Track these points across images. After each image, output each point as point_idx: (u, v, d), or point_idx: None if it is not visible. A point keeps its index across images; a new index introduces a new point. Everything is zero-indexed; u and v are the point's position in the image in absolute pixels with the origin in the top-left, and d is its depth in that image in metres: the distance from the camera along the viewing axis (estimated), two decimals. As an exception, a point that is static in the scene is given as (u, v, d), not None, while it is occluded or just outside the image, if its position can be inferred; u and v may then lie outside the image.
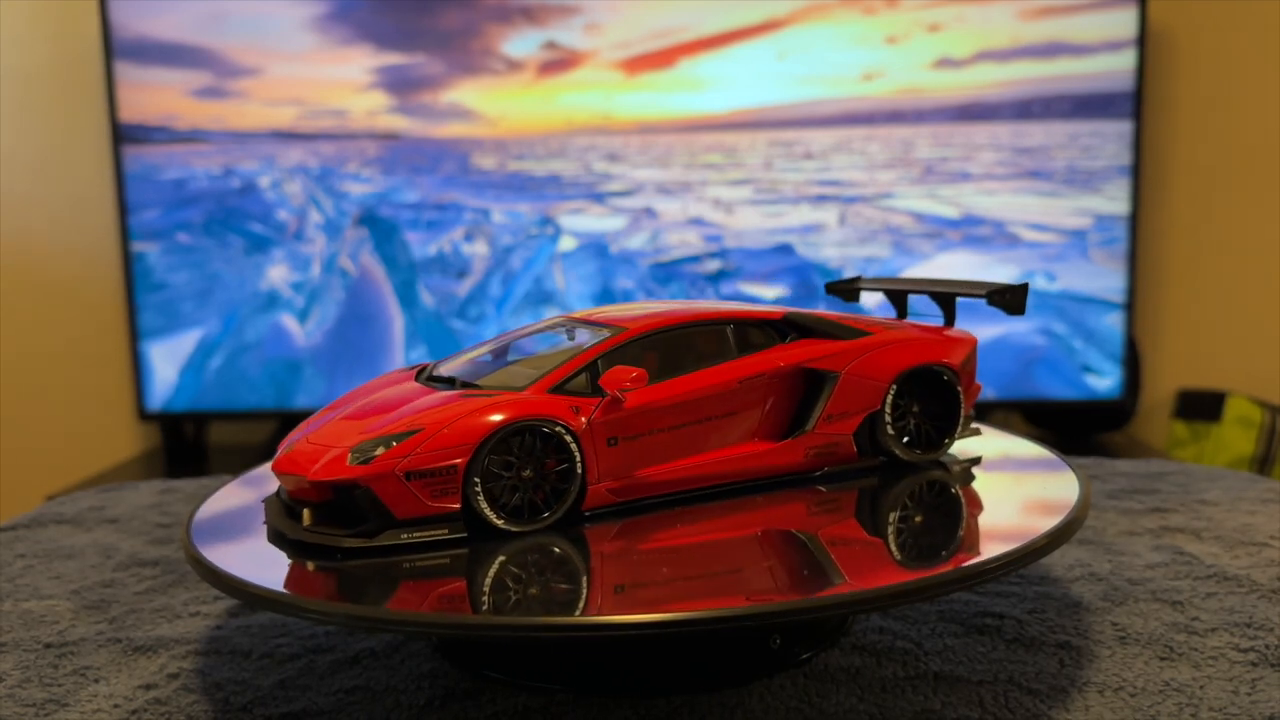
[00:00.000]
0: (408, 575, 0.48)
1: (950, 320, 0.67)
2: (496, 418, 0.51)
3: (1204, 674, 0.50)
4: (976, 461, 0.63)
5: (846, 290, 0.74)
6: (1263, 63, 1.64)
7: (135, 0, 1.56)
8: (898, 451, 0.61)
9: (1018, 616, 0.58)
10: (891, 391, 0.60)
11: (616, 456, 0.54)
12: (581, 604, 0.45)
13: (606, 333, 0.57)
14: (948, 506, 0.58)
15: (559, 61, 1.59)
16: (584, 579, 0.49)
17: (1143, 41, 1.51)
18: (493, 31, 1.58)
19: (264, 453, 1.66)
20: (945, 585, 0.44)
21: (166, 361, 1.63)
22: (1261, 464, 1.58)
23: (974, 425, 0.65)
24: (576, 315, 0.62)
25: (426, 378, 0.60)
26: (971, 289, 0.65)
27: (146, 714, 0.50)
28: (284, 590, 0.46)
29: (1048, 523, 0.50)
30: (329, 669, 0.55)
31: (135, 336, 1.62)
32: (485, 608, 0.45)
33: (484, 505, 0.51)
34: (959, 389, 0.61)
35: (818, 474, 0.60)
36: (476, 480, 0.50)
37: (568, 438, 0.52)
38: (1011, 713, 0.48)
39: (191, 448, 1.74)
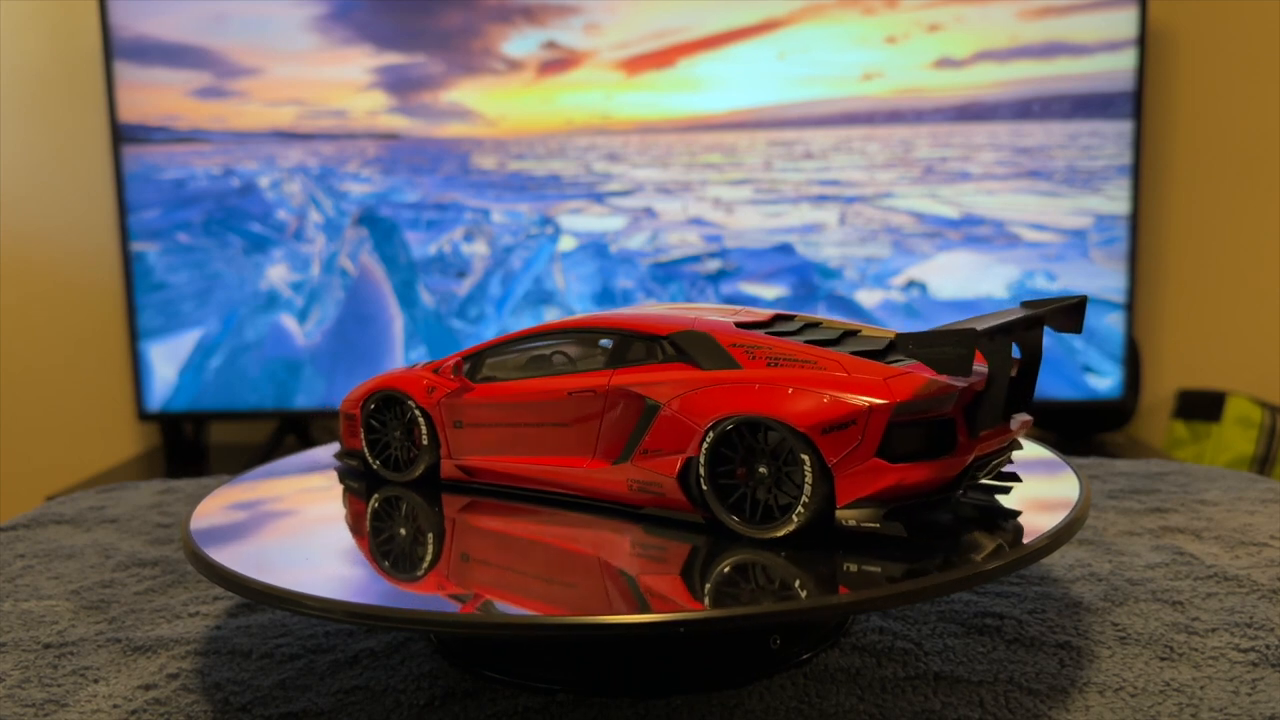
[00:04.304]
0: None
1: (1024, 360, 0.54)
2: (375, 385, 0.65)
3: (1204, 674, 0.50)
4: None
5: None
6: (1263, 63, 1.64)
7: (135, 0, 1.56)
8: (715, 513, 0.51)
9: (1018, 617, 0.58)
10: (708, 439, 0.50)
11: (461, 439, 0.61)
12: (427, 561, 0.53)
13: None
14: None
15: (559, 61, 1.59)
16: (430, 536, 0.57)
17: (1143, 41, 1.51)
18: (493, 31, 1.58)
19: (264, 452, 1.67)
20: (946, 586, 0.44)
21: (166, 361, 1.63)
22: (1262, 464, 1.58)
23: (876, 520, 0.48)
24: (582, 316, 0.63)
25: None
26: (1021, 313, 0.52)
27: (146, 714, 0.50)
28: (284, 586, 0.46)
29: (1048, 523, 0.49)
30: (329, 669, 0.55)
31: (135, 336, 1.63)
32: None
33: (366, 451, 0.65)
34: (801, 456, 0.48)
35: (642, 511, 0.54)
36: (361, 431, 0.65)
37: (416, 411, 0.62)
38: (1012, 713, 0.48)
39: (191, 448, 1.74)
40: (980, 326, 0.47)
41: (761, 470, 0.49)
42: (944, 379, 0.49)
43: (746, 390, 0.50)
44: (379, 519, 0.60)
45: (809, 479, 0.48)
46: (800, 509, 0.48)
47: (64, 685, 0.54)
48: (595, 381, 0.56)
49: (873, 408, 0.47)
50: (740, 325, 0.55)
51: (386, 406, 0.64)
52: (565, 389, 0.57)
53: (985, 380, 0.50)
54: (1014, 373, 0.54)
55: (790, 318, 0.59)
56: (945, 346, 0.47)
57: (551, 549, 0.54)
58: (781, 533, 0.49)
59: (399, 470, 0.64)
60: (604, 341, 0.59)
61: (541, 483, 0.58)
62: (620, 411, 0.55)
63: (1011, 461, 0.56)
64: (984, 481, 0.52)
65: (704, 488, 0.51)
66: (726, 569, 0.48)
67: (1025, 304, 0.55)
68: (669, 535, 0.52)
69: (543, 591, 0.48)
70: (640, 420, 0.54)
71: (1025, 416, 0.55)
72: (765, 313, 0.59)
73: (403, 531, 0.58)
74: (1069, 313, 0.55)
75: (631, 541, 0.52)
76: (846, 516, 0.48)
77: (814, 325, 0.58)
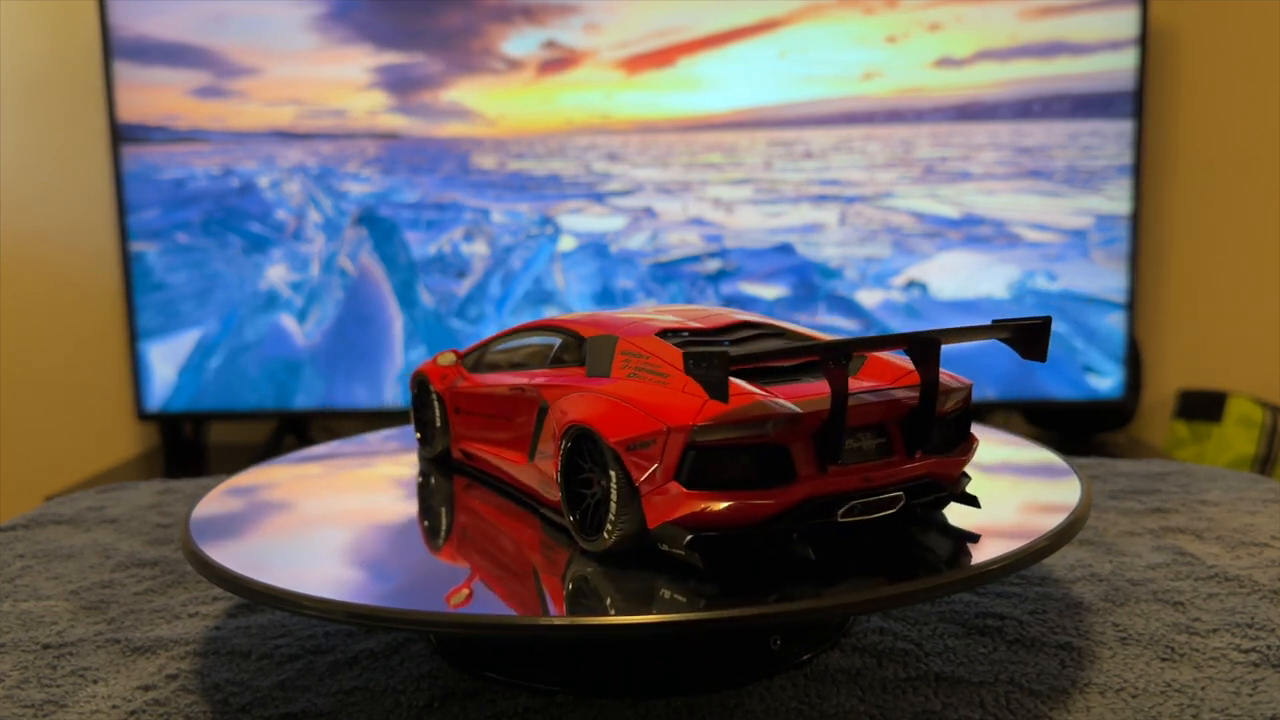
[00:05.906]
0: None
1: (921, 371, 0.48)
2: (419, 369, 0.70)
3: (1205, 675, 0.50)
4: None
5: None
6: (1264, 62, 1.64)
7: (135, 0, 1.56)
8: (565, 517, 0.50)
9: (1019, 617, 0.58)
10: (564, 446, 0.50)
11: (459, 424, 0.65)
12: (444, 532, 0.57)
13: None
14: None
15: (559, 61, 1.59)
16: (442, 510, 0.62)
17: (1144, 41, 1.51)
18: (493, 31, 1.58)
19: (263, 452, 1.67)
20: (947, 587, 0.44)
21: (165, 361, 1.63)
22: (1263, 464, 1.58)
23: (680, 547, 0.44)
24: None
25: None
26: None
27: (145, 715, 0.50)
28: (283, 586, 0.45)
29: (1049, 523, 0.49)
30: (328, 670, 0.54)
31: (134, 336, 1.62)
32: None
33: (414, 428, 0.71)
34: (610, 471, 0.46)
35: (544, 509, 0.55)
36: (411, 410, 0.71)
37: (434, 395, 0.68)
38: (1013, 714, 0.47)
39: (190, 448, 1.74)
40: (744, 350, 0.42)
41: (602, 482, 0.48)
42: (775, 404, 0.44)
43: (589, 400, 0.49)
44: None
45: (614, 496, 0.46)
46: (610, 526, 0.47)
47: (63, 686, 0.53)
48: (522, 380, 0.58)
49: (670, 428, 0.44)
50: (663, 333, 0.52)
51: (423, 388, 0.70)
52: (508, 385, 0.59)
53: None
54: (915, 402, 0.48)
55: (757, 324, 0.55)
56: (707, 369, 0.42)
57: (484, 528, 0.56)
58: (601, 548, 0.48)
59: (429, 447, 0.70)
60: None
61: (499, 472, 0.61)
62: (537, 411, 0.56)
63: (950, 501, 0.51)
64: (847, 521, 0.46)
65: (555, 495, 0.52)
66: (571, 584, 0.47)
67: (996, 322, 0.49)
68: (562, 539, 0.52)
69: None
70: (537, 421, 0.55)
71: (959, 456, 0.49)
72: (733, 317, 0.56)
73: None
74: (1028, 335, 0.49)
75: (539, 540, 0.53)
76: (656, 539, 0.46)
77: (777, 334, 0.54)
